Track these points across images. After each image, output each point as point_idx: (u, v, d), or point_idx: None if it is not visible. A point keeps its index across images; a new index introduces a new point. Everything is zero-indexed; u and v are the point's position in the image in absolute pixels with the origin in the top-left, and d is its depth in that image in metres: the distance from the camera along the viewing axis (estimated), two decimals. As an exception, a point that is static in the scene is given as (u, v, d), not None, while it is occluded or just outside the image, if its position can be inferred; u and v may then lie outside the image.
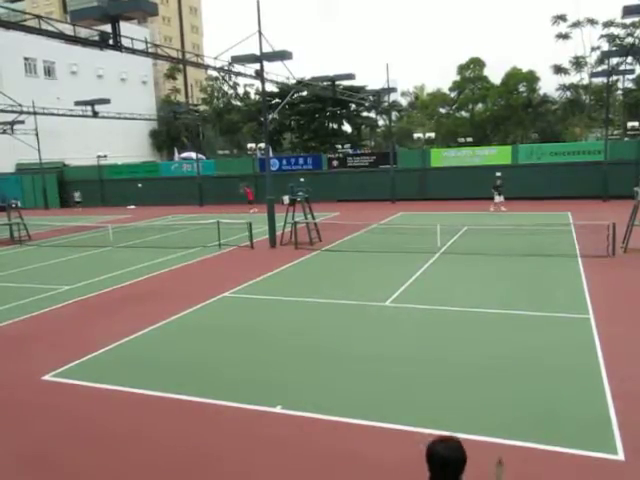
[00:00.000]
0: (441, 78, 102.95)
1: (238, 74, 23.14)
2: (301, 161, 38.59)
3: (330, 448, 6.17)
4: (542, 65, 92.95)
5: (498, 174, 28.75)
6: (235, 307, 12.26)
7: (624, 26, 48.72)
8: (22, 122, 36.51)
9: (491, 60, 68.03)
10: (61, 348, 9.87)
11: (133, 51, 17.11)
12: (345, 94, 35.12)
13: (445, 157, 35.25)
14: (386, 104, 38.53)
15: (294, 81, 26.62)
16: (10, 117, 35.34)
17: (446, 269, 15.08)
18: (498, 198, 26.52)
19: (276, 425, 6.76)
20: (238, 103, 63.69)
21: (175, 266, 17.06)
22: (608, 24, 49.51)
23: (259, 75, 20.73)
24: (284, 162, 38.93)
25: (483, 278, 13.89)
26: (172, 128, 61.01)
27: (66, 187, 43.27)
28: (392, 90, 37.29)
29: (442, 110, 61.36)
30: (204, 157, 46.69)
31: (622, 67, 34.95)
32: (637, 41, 42.70)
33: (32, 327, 11.35)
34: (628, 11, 18.54)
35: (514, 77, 55.46)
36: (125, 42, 16.36)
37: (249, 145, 41.51)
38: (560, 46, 74.29)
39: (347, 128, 63.73)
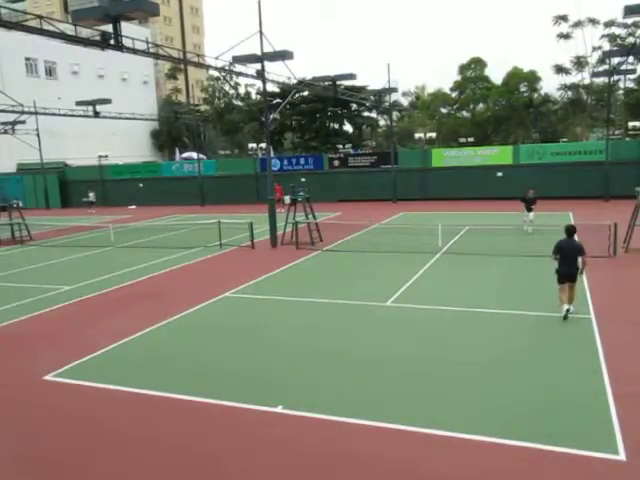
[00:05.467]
0: (442, 78, 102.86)
1: (239, 74, 23.17)
2: (302, 161, 38.57)
3: (330, 448, 6.17)
4: (543, 65, 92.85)
5: (499, 174, 28.61)
6: (236, 307, 12.26)
7: (625, 26, 48.79)
8: (23, 122, 36.55)
9: (492, 60, 67.85)
10: (62, 348, 9.88)
11: (134, 51, 17.12)
12: (346, 94, 35.09)
13: (446, 157, 35.21)
14: (387, 104, 38.46)
15: (295, 81, 26.60)
16: (11, 117, 35.35)
17: (447, 269, 15.07)
18: (528, 216, 20.06)
19: (277, 425, 6.76)
20: (239, 103, 63.74)
21: (176, 266, 17.07)
22: (609, 24, 49.56)
23: (260, 75, 20.73)
24: (285, 162, 38.93)
25: (484, 278, 13.89)
26: (173, 128, 61.07)
27: (69, 187, 43.29)
28: (393, 90, 37.21)
29: (443, 110, 61.38)
30: (205, 157, 46.71)
31: (623, 67, 34.86)
32: (638, 41, 42.67)
33: (33, 327, 11.36)
34: (629, 11, 18.49)
35: (515, 77, 55.47)
36: (126, 42, 16.38)
37: (250, 145, 41.51)
38: (561, 46, 74.42)
39: (348, 128, 63.79)
